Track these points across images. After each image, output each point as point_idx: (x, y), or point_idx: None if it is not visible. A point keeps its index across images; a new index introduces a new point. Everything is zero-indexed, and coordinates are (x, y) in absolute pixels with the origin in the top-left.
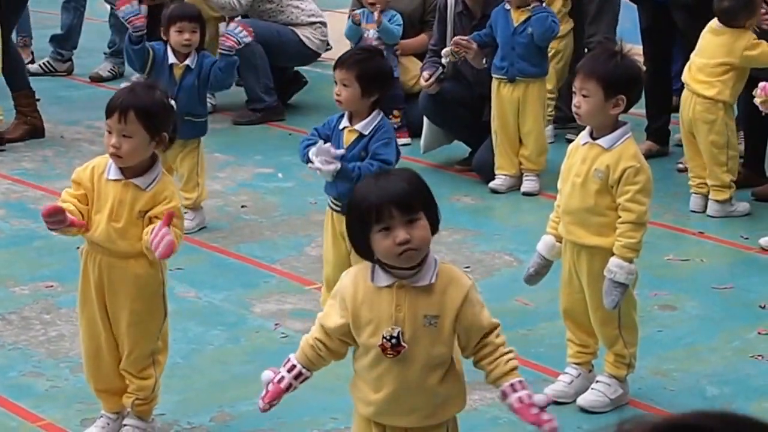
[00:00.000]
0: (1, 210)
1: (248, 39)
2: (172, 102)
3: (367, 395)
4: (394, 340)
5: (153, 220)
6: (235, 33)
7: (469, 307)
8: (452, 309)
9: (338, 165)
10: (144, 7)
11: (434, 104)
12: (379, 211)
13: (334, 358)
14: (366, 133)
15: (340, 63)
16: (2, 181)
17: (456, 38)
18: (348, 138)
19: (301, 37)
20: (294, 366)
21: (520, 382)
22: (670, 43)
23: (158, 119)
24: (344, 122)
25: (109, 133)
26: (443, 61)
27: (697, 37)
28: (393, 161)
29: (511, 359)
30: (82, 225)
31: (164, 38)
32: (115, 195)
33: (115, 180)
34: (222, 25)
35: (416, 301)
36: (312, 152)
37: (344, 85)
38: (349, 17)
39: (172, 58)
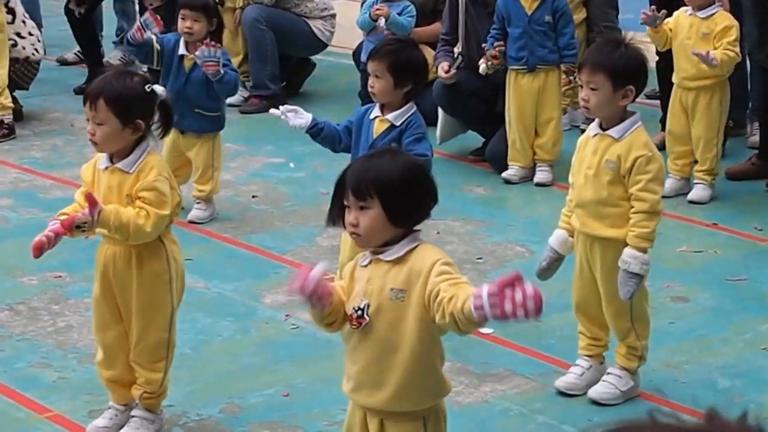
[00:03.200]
0: (9, 199)
1: (221, 53)
2: (160, 89)
3: (348, 369)
4: (359, 312)
5: (135, 199)
6: (210, 56)
7: (432, 276)
8: (418, 281)
9: (307, 119)
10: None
11: (448, 94)
12: (343, 189)
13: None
14: (397, 124)
15: (373, 54)
16: (11, 170)
17: (489, 52)
18: (378, 128)
19: (313, 28)
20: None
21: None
22: None
23: (130, 106)
24: (375, 112)
25: (87, 120)
26: (481, 71)
27: None
28: (428, 155)
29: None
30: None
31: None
32: (106, 183)
33: (104, 168)
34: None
35: (385, 275)
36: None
37: (377, 77)
38: (361, 5)
39: (182, 50)
